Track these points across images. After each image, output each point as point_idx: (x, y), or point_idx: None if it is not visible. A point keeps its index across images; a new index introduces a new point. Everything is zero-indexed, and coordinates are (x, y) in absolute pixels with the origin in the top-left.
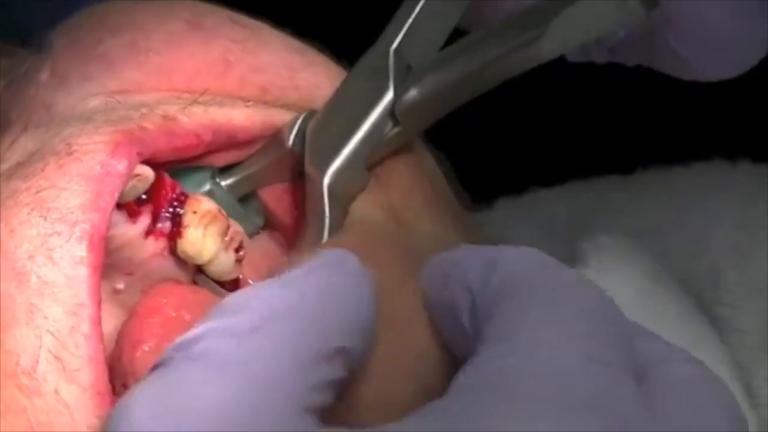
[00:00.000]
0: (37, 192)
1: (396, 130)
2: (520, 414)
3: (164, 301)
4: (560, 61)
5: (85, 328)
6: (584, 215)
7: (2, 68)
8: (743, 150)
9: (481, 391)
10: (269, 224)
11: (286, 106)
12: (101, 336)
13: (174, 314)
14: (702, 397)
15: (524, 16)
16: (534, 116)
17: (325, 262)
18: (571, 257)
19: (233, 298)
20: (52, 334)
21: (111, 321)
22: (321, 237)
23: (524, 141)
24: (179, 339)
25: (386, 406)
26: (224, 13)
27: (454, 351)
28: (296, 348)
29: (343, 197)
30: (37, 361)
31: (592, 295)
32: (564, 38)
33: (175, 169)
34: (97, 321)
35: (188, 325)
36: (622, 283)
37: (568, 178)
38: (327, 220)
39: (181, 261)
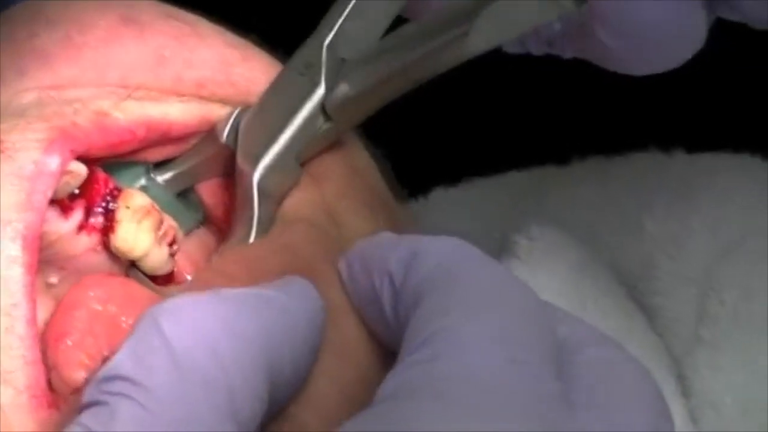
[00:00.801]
0: None
1: (327, 125)
2: (443, 420)
3: (91, 294)
4: (499, 51)
5: (20, 329)
6: (520, 205)
7: None
8: (678, 141)
9: (403, 398)
10: (207, 219)
11: (222, 101)
12: (37, 336)
13: (100, 308)
14: (620, 380)
15: (453, 12)
16: (471, 105)
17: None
18: (503, 248)
19: (165, 313)
20: None
21: (44, 315)
22: (249, 233)
23: (461, 130)
24: (102, 373)
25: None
26: (161, 8)
27: (382, 341)
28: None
29: (274, 193)
30: None
31: (515, 290)
32: (491, 33)
33: (109, 163)
34: (33, 321)
35: (114, 320)
36: (551, 274)
37: (506, 168)
38: (256, 216)
39: (114, 255)
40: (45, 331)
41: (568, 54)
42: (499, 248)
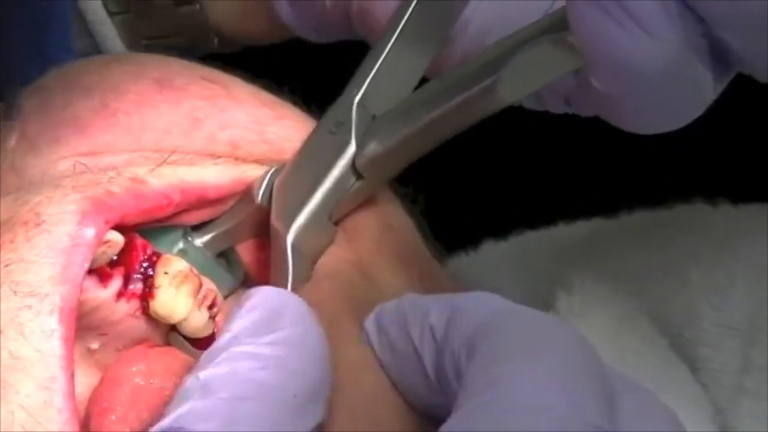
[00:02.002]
0: (7, 265)
1: (359, 183)
2: None
3: (133, 369)
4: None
5: (58, 402)
6: (567, 257)
7: None
8: (723, 192)
9: None
10: (248, 278)
11: (257, 161)
12: (75, 409)
13: (142, 383)
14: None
15: (478, 65)
16: (521, 158)
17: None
18: (546, 301)
19: (206, 375)
20: (24, 409)
21: (85, 380)
22: None
23: (511, 183)
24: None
25: None
26: (195, 70)
27: (410, 399)
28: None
29: (308, 252)
30: None
31: (562, 332)
32: (518, 84)
33: (147, 228)
34: (70, 395)
35: (157, 392)
36: (591, 327)
37: (555, 220)
38: (290, 276)
39: (154, 320)
40: (88, 404)
41: (586, 112)
42: (544, 301)
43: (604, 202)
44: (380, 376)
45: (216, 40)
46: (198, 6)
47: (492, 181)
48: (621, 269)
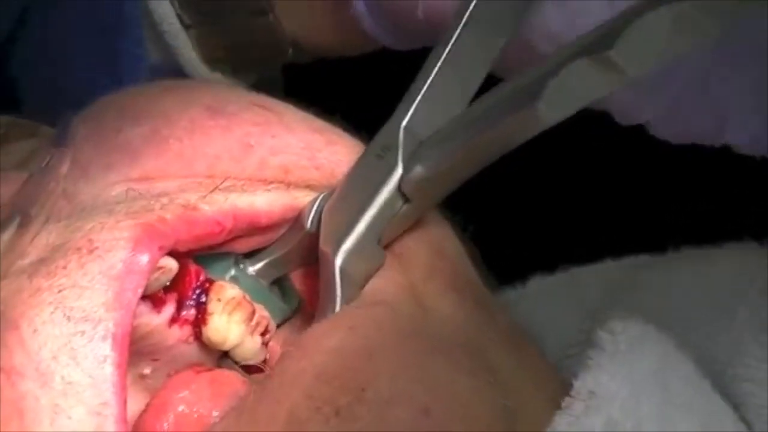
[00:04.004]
0: (60, 291)
1: (407, 206)
2: None
3: (179, 396)
4: (597, 138)
5: (110, 427)
6: (615, 294)
7: (25, 150)
8: None
9: None
10: (302, 305)
11: (308, 187)
12: None
13: (187, 411)
14: None
15: (522, 84)
16: (570, 193)
17: None
18: (588, 341)
19: None
20: None
21: (137, 406)
22: None
23: (560, 217)
24: None
25: None
26: (247, 97)
27: None
28: None
29: (357, 277)
30: None
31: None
32: (561, 104)
33: (200, 255)
34: (123, 420)
35: (202, 419)
36: (634, 369)
37: (603, 256)
38: (338, 301)
39: (206, 346)
40: (134, 429)
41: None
42: (590, 339)
43: (653, 239)
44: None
45: (290, 51)
46: (271, 17)
47: (541, 214)
48: (667, 306)
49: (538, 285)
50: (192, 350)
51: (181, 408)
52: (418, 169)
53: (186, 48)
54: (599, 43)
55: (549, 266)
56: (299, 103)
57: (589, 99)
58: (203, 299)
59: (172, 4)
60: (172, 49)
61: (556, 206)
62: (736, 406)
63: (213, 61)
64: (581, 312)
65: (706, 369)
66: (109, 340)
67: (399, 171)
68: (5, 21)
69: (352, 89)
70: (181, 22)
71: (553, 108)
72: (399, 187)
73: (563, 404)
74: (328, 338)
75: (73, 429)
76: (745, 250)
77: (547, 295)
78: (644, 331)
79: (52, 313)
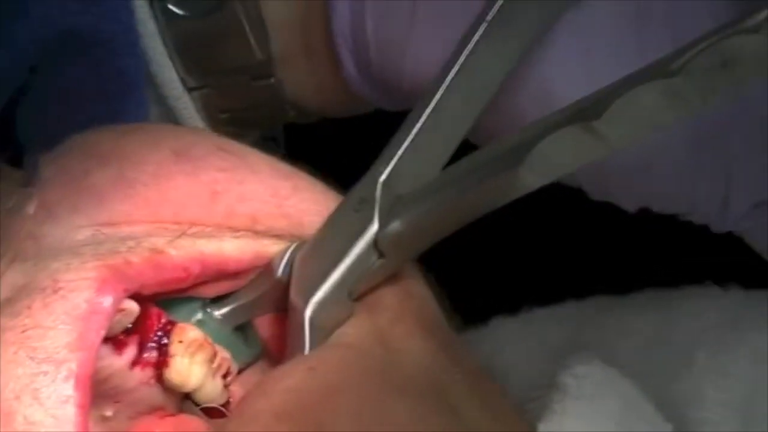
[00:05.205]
0: (23, 331)
1: (381, 261)
2: None
3: None
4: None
5: None
6: (578, 336)
7: None
8: (735, 277)
9: None
10: (266, 351)
11: (277, 236)
12: None
13: None
14: None
15: (505, 147)
16: (531, 236)
17: None
18: (552, 384)
19: None
20: None
21: None
22: None
23: (521, 260)
24: None
25: None
26: (211, 141)
27: None
28: None
29: (326, 329)
30: None
31: None
32: (543, 170)
33: (165, 298)
34: None
35: None
36: (598, 414)
37: (565, 298)
38: (307, 351)
39: (168, 388)
40: None
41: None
42: (552, 382)
43: (615, 281)
44: None
45: (292, 113)
46: (273, 80)
47: (501, 257)
48: (629, 350)
49: (501, 326)
50: (154, 392)
51: None
52: (395, 225)
53: (189, 109)
54: (587, 112)
55: (511, 307)
56: (300, 161)
57: (573, 167)
58: (165, 341)
59: (176, 68)
60: (175, 111)
61: (519, 247)
62: None
63: (216, 122)
64: (543, 353)
65: (667, 413)
66: (72, 381)
67: (375, 226)
68: (13, 81)
69: (353, 146)
70: (184, 85)
71: (535, 173)
72: (374, 242)
73: None
74: (287, 378)
75: None
76: (706, 293)
77: (509, 336)
78: (607, 374)
79: (15, 352)
